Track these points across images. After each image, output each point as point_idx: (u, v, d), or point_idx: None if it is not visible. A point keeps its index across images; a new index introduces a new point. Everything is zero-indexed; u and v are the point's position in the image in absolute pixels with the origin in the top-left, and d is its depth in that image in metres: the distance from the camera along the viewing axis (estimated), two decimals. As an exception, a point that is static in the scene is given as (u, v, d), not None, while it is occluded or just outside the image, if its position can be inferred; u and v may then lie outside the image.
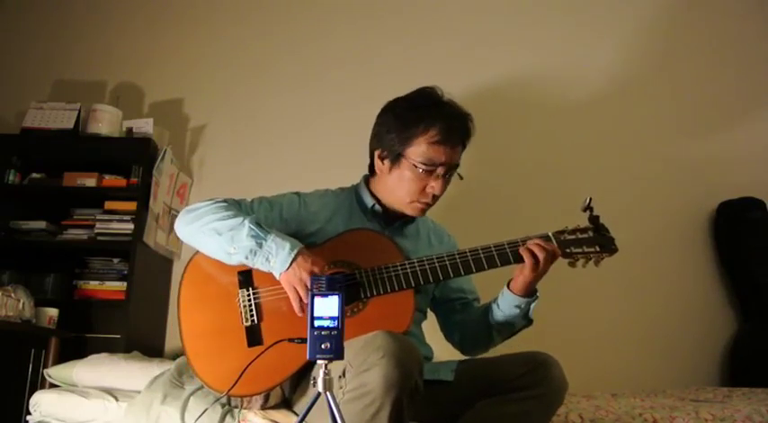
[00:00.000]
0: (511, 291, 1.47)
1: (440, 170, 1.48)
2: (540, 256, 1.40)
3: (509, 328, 1.53)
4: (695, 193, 2.76)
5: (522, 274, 1.43)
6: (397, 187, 1.52)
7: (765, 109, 2.90)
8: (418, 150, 1.47)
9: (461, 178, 1.56)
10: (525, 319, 1.52)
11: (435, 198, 1.52)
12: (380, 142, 1.54)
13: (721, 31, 2.97)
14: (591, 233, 1.45)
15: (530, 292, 1.46)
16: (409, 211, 1.54)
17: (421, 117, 1.48)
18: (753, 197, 2.68)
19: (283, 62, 2.84)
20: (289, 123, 2.76)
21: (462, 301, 1.65)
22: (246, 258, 1.35)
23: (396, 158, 1.50)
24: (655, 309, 2.61)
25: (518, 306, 1.47)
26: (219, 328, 1.41)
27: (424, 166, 1.47)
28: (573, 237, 1.45)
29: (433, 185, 1.49)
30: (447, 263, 1.42)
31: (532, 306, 1.49)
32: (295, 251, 1.33)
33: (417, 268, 1.41)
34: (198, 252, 1.47)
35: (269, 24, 2.90)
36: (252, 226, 1.36)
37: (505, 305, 1.49)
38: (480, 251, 1.43)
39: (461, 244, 1.63)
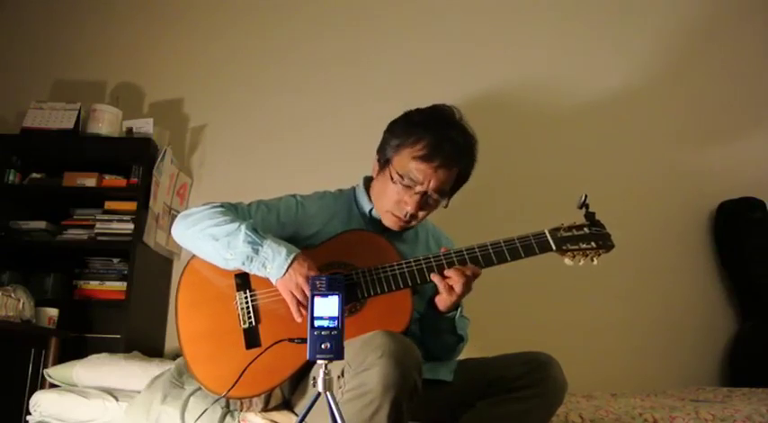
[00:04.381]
0: (434, 307, 1.43)
1: (417, 188, 1.45)
2: (455, 283, 1.35)
3: (443, 345, 1.50)
4: (695, 194, 2.76)
5: (440, 294, 1.39)
6: (380, 193, 1.51)
7: (765, 111, 2.90)
8: (401, 161, 1.45)
9: (446, 206, 1.51)
10: (455, 335, 1.49)
11: (411, 217, 1.48)
12: (381, 145, 1.54)
13: (722, 38, 2.98)
14: (587, 230, 1.43)
15: (450, 310, 1.42)
16: (386, 221, 1.51)
17: (417, 129, 1.45)
18: (753, 197, 2.68)
19: (283, 62, 2.84)
20: (289, 123, 2.76)
21: None
22: (243, 264, 1.35)
23: (384, 164, 1.49)
24: (655, 309, 2.61)
25: (443, 320, 1.44)
26: (217, 331, 1.40)
27: (400, 179, 1.44)
28: (569, 234, 1.43)
29: (407, 201, 1.45)
30: (444, 262, 1.41)
31: (456, 319, 1.45)
32: (291, 256, 1.33)
33: (414, 267, 1.40)
34: (195, 255, 1.47)
35: (269, 25, 2.90)
36: (248, 232, 1.35)
37: (432, 321, 1.46)
38: (477, 250, 1.41)
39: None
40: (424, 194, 1.46)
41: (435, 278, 1.38)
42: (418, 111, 1.53)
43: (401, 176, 1.44)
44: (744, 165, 2.81)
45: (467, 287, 1.37)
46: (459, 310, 1.45)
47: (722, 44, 2.97)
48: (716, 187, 2.74)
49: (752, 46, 2.98)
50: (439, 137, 1.44)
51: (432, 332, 1.49)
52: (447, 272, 1.38)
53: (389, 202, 1.48)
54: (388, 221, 1.51)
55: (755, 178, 2.76)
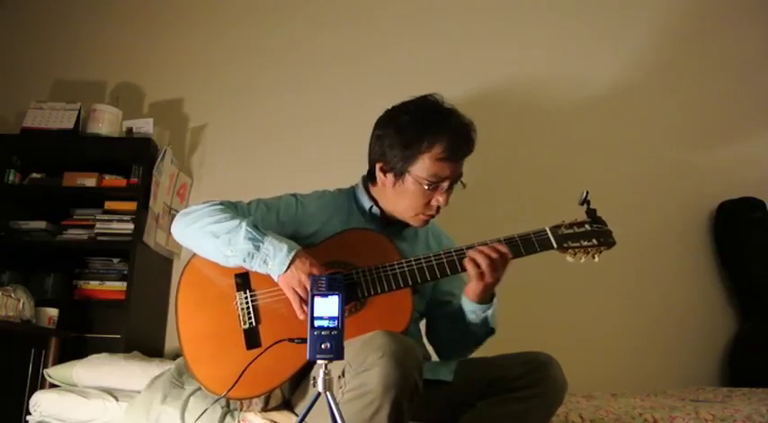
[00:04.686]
0: (466, 296, 1.44)
1: (444, 184, 1.46)
2: (483, 264, 1.36)
3: (472, 336, 1.50)
4: (695, 194, 2.76)
5: (471, 282, 1.40)
6: (401, 201, 1.50)
7: (765, 111, 2.90)
8: (422, 167, 1.44)
9: (464, 186, 1.53)
10: (486, 327, 1.48)
11: (440, 209, 1.51)
12: (382, 156, 1.50)
13: (722, 37, 2.98)
14: (588, 227, 1.43)
15: (484, 299, 1.43)
16: (413, 223, 1.53)
17: (424, 132, 1.44)
18: (753, 197, 2.68)
19: (283, 62, 2.84)
20: (289, 123, 2.76)
21: (450, 305, 1.61)
22: (244, 261, 1.35)
23: (399, 175, 1.47)
24: (655, 309, 2.61)
25: (473, 312, 1.45)
26: (218, 331, 1.40)
27: (428, 183, 1.45)
28: (570, 231, 1.43)
29: (438, 199, 1.47)
30: (444, 260, 1.40)
31: (490, 313, 1.45)
32: (293, 253, 1.33)
33: (414, 266, 1.40)
34: (195, 255, 1.47)
35: (269, 24, 2.90)
36: (249, 228, 1.35)
37: (463, 312, 1.47)
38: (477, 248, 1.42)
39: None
40: (450, 186, 1.48)
41: (469, 265, 1.37)
42: (406, 112, 1.50)
43: (428, 180, 1.45)
44: (744, 165, 2.81)
45: (494, 270, 1.35)
46: (493, 300, 1.45)
47: (722, 43, 2.97)
48: (716, 187, 2.74)
49: (752, 45, 2.98)
50: (450, 133, 1.45)
51: (466, 325, 1.47)
52: (472, 252, 1.37)
53: (417, 207, 1.48)
54: (418, 222, 1.52)
55: (755, 178, 2.76)
